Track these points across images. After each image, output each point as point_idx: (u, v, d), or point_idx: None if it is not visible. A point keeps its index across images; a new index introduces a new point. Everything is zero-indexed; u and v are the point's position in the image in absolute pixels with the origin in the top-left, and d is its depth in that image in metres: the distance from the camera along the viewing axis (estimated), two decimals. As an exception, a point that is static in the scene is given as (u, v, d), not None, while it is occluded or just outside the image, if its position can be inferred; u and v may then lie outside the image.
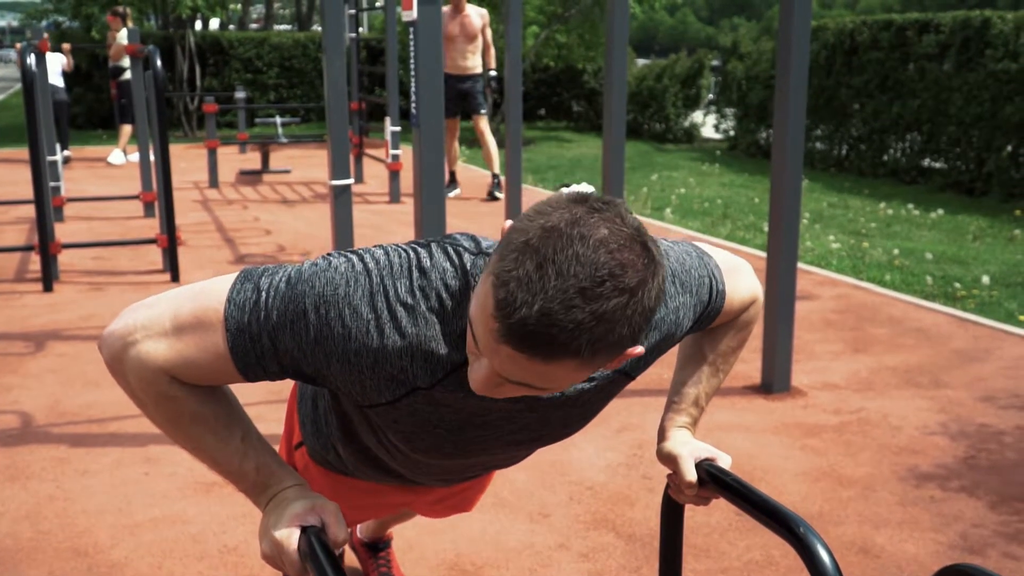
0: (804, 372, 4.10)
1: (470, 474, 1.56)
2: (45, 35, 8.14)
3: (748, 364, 4.21)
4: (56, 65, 11.03)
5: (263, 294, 1.19)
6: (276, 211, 8.19)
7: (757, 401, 3.79)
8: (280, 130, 10.43)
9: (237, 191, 9.40)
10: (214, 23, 21.41)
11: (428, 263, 1.21)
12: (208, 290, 1.22)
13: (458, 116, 8.86)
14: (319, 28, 31.38)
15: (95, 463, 3.17)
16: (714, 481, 1.44)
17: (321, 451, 1.63)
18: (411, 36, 3.28)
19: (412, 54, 3.29)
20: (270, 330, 1.18)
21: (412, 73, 3.31)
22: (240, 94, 12.06)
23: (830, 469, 3.17)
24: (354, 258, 1.22)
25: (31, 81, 5.38)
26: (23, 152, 12.43)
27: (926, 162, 10.23)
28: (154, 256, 6.31)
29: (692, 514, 2.86)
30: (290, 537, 1.22)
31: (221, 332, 1.19)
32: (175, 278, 5.69)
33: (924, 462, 3.23)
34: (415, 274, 1.20)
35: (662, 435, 1.55)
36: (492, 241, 1.26)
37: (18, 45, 11.67)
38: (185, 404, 1.24)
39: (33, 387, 3.87)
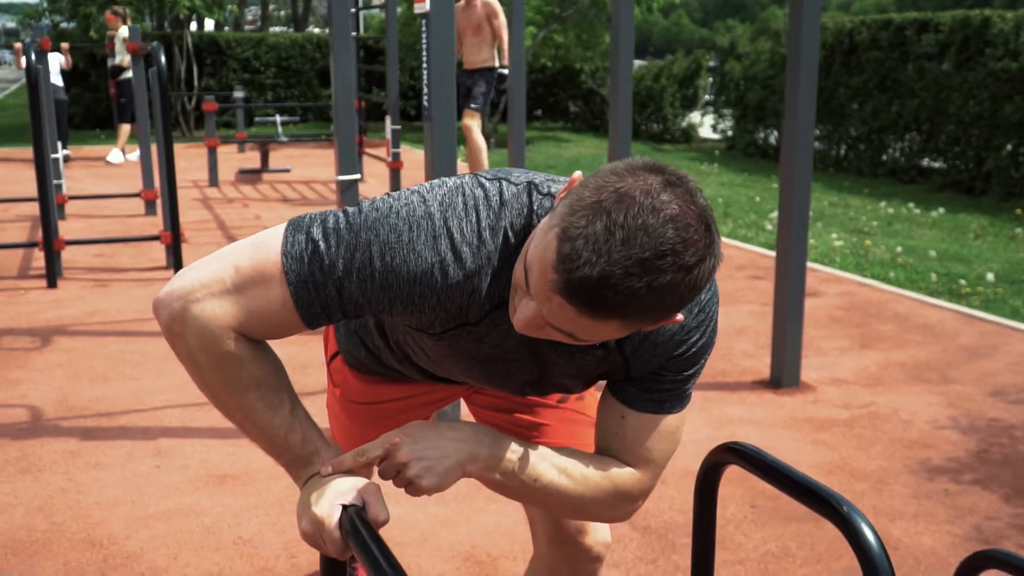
0: (812, 367, 4.10)
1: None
2: (46, 34, 8.11)
3: (757, 359, 4.21)
4: (55, 64, 11.00)
5: (321, 244, 1.19)
6: (277, 209, 8.18)
7: (766, 395, 3.79)
8: (280, 129, 10.41)
9: (237, 190, 9.38)
10: (209, 24, 21.37)
11: (496, 201, 1.22)
12: (261, 245, 1.22)
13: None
14: (315, 29, 31.39)
15: (106, 456, 3.16)
16: (750, 462, 1.44)
17: (354, 351, 1.64)
18: (423, 29, 3.28)
19: (424, 48, 3.29)
20: (336, 279, 1.19)
21: (424, 67, 3.30)
22: (239, 93, 12.05)
23: (842, 463, 3.18)
24: (415, 200, 1.22)
25: (35, 78, 5.36)
26: (22, 151, 12.40)
27: (925, 162, 10.25)
28: (156, 253, 6.29)
29: (707, 506, 2.85)
30: (331, 515, 1.20)
31: (282, 285, 1.19)
32: (179, 275, 5.66)
33: (936, 456, 3.23)
34: (482, 212, 1.21)
35: None
36: (554, 181, 1.27)
37: (18, 45, 11.65)
38: (244, 366, 1.23)
39: (41, 381, 3.86)
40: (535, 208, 1.23)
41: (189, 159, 11.31)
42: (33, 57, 5.35)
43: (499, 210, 1.22)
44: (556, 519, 1.64)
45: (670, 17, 64.35)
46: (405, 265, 1.19)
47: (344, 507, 1.22)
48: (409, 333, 1.37)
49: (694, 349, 1.31)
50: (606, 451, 1.37)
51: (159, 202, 7.61)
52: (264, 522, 2.74)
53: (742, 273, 5.93)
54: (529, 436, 1.68)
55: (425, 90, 3.33)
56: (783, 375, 3.86)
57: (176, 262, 5.66)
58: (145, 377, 3.93)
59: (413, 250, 1.19)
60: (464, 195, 1.23)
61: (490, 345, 1.31)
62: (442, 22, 3.22)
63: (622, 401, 1.33)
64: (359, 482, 1.25)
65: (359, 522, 1.18)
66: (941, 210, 8.34)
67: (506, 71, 7.60)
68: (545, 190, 1.25)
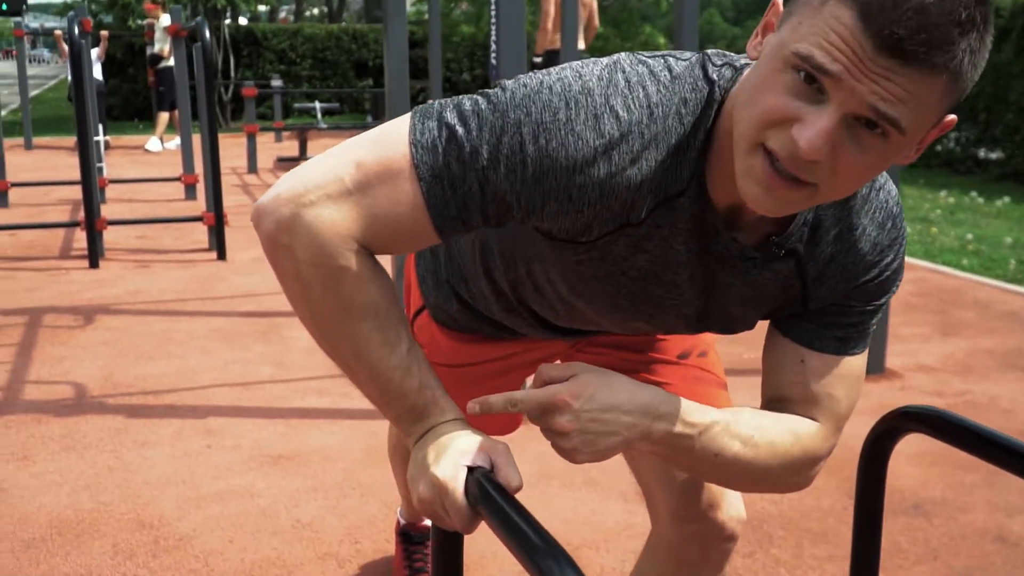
0: (895, 354, 3.84)
1: (612, 334, 1.35)
2: (88, 12, 8.00)
3: (833, 345, 3.97)
4: (93, 55, 10.91)
5: (459, 129, 0.99)
6: (318, 195, 8.01)
7: (849, 382, 3.55)
8: (320, 116, 10.27)
9: (276, 176, 9.24)
10: (243, 19, 21.36)
11: (665, 76, 1.01)
12: (385, 136, 1.01)
13: None
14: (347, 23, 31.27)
15: (153, 434, 2.98)
16: (938, 428, 1.21)
17: (444, 304, 1.43)
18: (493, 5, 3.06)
19: (493, 16, 3.07)
20: (479, 170, 0.98)
21: (493, 43, 3.09)
22: (276, 82, 11.92)
23: (947, 453, 2.93)
24: (568, 75, 1.00)
25: (78, 52, 5.22)
26: (60, 140, 12.37)
27: (982, 152, 9.92)
28: (198, 235, 6.13)
29: (801, 496, 2.63)
30: (456, 478, 0.99)
31: (413, 181, 0.99)
32: (221, 256, 5.51)
33: (1044, 445, 2.98)
34: (650, 88, 1.00)
35: None
36: (725, 55, 1.06)
37: (58, 31, 11.59)
38: (362, 287, 1.01)
39: (84, 359, 3.69)
40: (715, 79, 1.01)
41: (227, 148, 11.16)
42: (76, 32, 5.21)
43: (670, 85, 1.01)
44: (683, 493, 1.39)
45: (703, 16, 63.97)
46: (563, 149, 0.97)
47: (470, 469, 1.00)
48: (538, 262, 1.15)
49: (887, 273, 1.10)
50: (781, 404, 1.15)
51: (199, 187, 7.47)
52: (323, 505, 2.54)
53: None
54: None
55: (493, 60, 3.11)
56: (867, 361, 3.62)
57: (219, 243, 5.50)
58: (191, 356, 3.75)
59: (572, 131, 0.97)
60: (625, 72, 1.01)
61: (648, 257, 1.08)
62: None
63: (800, 342, 1.12)
64: (485, 440, 1.03)
65: (491, 487, 0.97)
66: (1006, 199, 8.02)
67: (537, 59, 7.77)
68: (719, 61, 1.03)
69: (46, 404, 3.22)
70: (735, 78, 1.02)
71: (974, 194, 8.35)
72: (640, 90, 1.00)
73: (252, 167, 9.40)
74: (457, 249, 1.35)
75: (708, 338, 1.51)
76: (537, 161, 0.97)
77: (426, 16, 11.52)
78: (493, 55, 3.10)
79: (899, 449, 2.92)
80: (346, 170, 1.00)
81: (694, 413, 1.06)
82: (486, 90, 1.03)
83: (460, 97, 1.02)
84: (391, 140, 1.00)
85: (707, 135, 1.01)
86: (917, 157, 0.96)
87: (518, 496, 0.97)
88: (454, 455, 1.00)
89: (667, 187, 1.02)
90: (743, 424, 1.09)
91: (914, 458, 2.86)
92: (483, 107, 0.99)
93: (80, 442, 2.91)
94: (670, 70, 1.02)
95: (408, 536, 2.16)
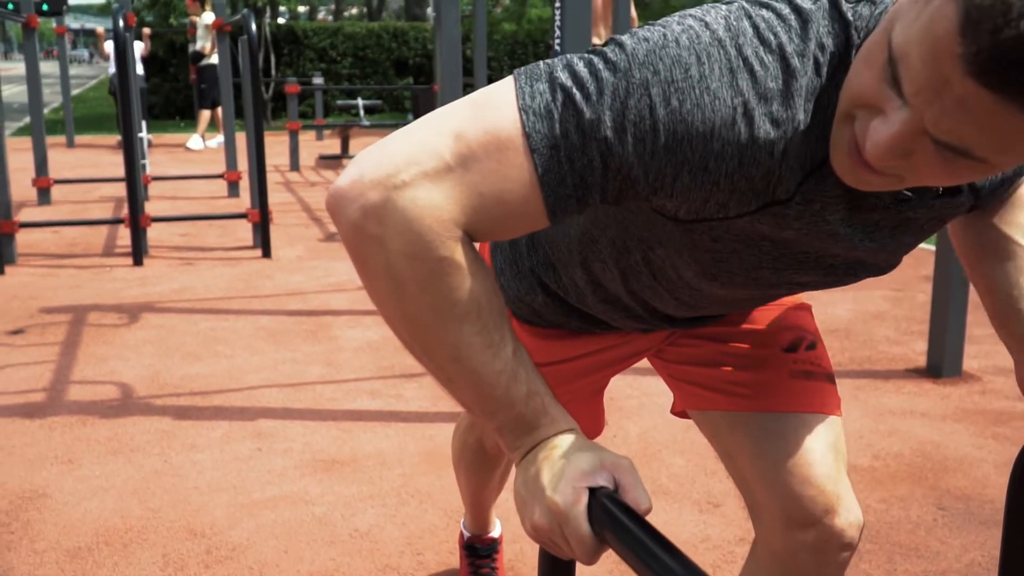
0: (971, 356, 3.65)
1: (733, 309, 1.21)
2: (130, 8, 7.98)
3: (903, 346, 3.79)
4: (136, 52, 10.92)
5: (575, 92, 0.83)
6: (361, 193, 7.93)
7: (926, 385, 3.37)
8: (363, 112, 10.20)
9: (318, 174, 9.17)
10: (280, 19, 21.41)
11: (794, 19, 0.87)
12: (487, 101, 0.86)
13: None
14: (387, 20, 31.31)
15: (202, 437, 2.87)
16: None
17: (527, 297, 1.29)
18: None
19: (557, 6, 2.93)
20: (601, 140, 0.83)
21: (557, 28, 2.94)
22: (317, 79, 11.87)
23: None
24: (693, 25, 0.86)
25: (123, 46, 5.15)
26: (103, 138, 12.41)
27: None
28: (242, 233, 6.05)
29: (887, 507, 2.46)
30: (577, 504, 0.83)
31: (525, 153, 0.83)
32: (267, 254, 5.42)
33: None
34: (781, 35, 0.86)
35: None
36: None
37: (100, 29, 11.63)
38: (465, 281, 0.86)
39: (130, 358, 3.60)
40: (850, 19, 0.87)
41: (269, 146, 11.11)
42: (121, 25, 5.14)
43: (803, 30, 0.86)
44: (796, 497, 1.23)
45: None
46: (699, 111, 0.82)
47: (592, 491, 0.86)
48: (660, 247, 1.01)
49: None
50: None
51: (242, 184, 7.41)
52: (382, 513, 2.41)
53: (865, 258, 5.49)
54: (745, 396, 1.31)
55: (557, 39, 2.96)
56: (943, 363, 3.43)
57: (264, 241, 5.41)
58: (238, 356, 3.65)
59: (707, 89, 0.82)
60: (751, 17, 0.86)
61: (795, 233, 0.95)
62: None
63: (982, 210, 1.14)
64: (608, 457, 0.87)
65: (619, 511, 0.82)
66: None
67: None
68: None
69: (91, 405, 3.13)
70: (875, 15, 0.87)
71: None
72: (772, 38, 0.85)
73: (295, 165, 9.33)
74: (546, 235, 1.20)
75: (813, 327, 1.37)
76: (670, 127, 0.82)
77: (469, 12, 11.39)
78: (557, 42, 2.95)
79: (982, 457, 2.75)
80: (445, 142, 0.84)
81: None
82: (601, 47, 0.88)
83: (570, 56, 0.87)
84: (496, 104, 0.85)
85: None
86: None
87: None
88: (573, 476, 0.85)
89: (814, 153, 0.88)
90: None
91: (1003, 467, 2.68)
92: (601, 67, 0.84)
93: (127, 445, 2.81)
94: (799, 12, 0.87)
95: (474, 549, 2.02)
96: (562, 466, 0.87)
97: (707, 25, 0.85)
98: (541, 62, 0.87)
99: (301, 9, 19.30)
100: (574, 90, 0.83)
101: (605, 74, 0.84)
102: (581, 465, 0.86)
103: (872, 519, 2.40)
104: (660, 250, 1.02)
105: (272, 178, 8.71)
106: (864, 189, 0.87)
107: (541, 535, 0.87)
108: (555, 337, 1.36)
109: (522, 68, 0.88)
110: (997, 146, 0.74)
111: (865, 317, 4.23)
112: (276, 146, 10.91)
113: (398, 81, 16.50)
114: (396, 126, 11.60)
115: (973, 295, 4.45)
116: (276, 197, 7.58)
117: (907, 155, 0.78)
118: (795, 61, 0.85)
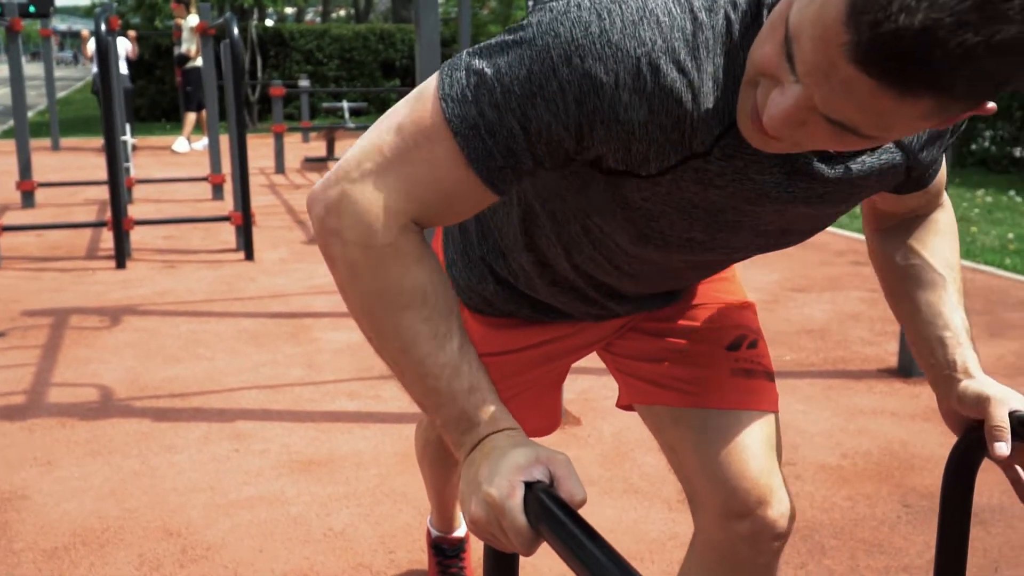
0: (942, 356, 3.71)
1: (677, 281, 1.26)
2: (115, 13, 7.99)
3: (877, 347, 3.84)
4: (121, 51, 10.92)
5: (487, 71, 0.91)
6: (345, 195, 7.96)
7: (896, 385, 3.43)
8: (348, 115, 10.22)
9: (304, 176, 9.19)
10: (269, 21, 21.41)
11: None
12: (418, 95, 0.95)
13: None
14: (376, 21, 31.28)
15: (180, 438, 2.91)
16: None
17: (477, 286, 1.34)
18: None
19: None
20: (515, 109, 0.90)
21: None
22: (304, 82, 11.89)
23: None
24: None
25: (105, 50, 5.17)
26: (86, 141, 12.40)
27: (1018, 151, 9.70)
28: (226, 235, 6.08)
29: (853, 504, 2.51)
30: (512, 496, 0.88)
31: (448, 138, 0.92)
32: (249, 256, 5.45)
33: (1106, 452, 2.84)
34: None
35: (964, 372, 1.21)
36: None
37: (85, 32, 11.62)
38: (410, 269, 0.95)
39: (111, 361, 3.63)
40: None
41: (254, 148, 11.16)
42: (103, 29, 5.16)
43: None
44: (732, 489, 1.28)
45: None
46: (601, 64, 0.88)
47: (528, 484, 0.90)
48: (596, 214, 1.06)
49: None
50: (915, 215, 1.27)
51: (226, 187, 7.44)
52: (356, 513, 2.45)
53: (843, 259, 5.54)
54: (687, 392, 1.35)
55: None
56: (913, 364, 3.49)
57: (247, 244, 5.44)
58: (219, 358, 3.68)
59: (608, 43, 0.88)
60: None
61: (721, 193, 0.99)
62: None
63: (909, 191, 1.18)
64: (543, 452, 0.92)
65: (553, 503, 0.87)
66: (1046, 198, 7.84)
67: None
68: None
69: (71, 407, 3.16)
70: None
71: (1012, 193, 8.17)
72: None
73: (280, 167, 9.35)
74: (494, 222, 1.26)
75: (756, 325, 1.42)
76: (575, 83, 0.88)
77: (454, 15, 11.43)
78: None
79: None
80: (385, 139, 0.94)
81: None
82: (524, 22, 0.94)
83: (488, 41, 0.95)
84: (424, 98, 0.94)
85: None
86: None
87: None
88: (509, 470, 0.90)
89: (731, 109, 0.93)
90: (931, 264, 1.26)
91: (970, 465, 2.74)
92: (509, 43, 0.92)
93: (106, 446, 2.84)
94: None
95: (441, 549, 2.06)
96: (499, 461, 0.91)
97: None
98: (464, 51, 0.95)
99: (289, 10, 19.27)
100: (485, 70, 0.91)
101: (511, 48, 0.91)
102: (517, 460, 0.90)
103: (837, 516, 2.45)
104: (596, 217, 1.07)
105: (257, 180, 8.74)
106: (766, 151, 0.92)
107: (479, 527, 0.91)
108: (506, 327, 1.40)
109: (448, 60, 0.96)
110: (880, 125, 0.80)
111: (841, 317, 4.29)
112: (262, 148, 10.93)
113: (385, 83, 16.52)
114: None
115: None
116: (260, 199, 7.61)
117: (801, 126, 0.84)
118: (703, 15, 0.90)
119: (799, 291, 4.77)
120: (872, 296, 4.65)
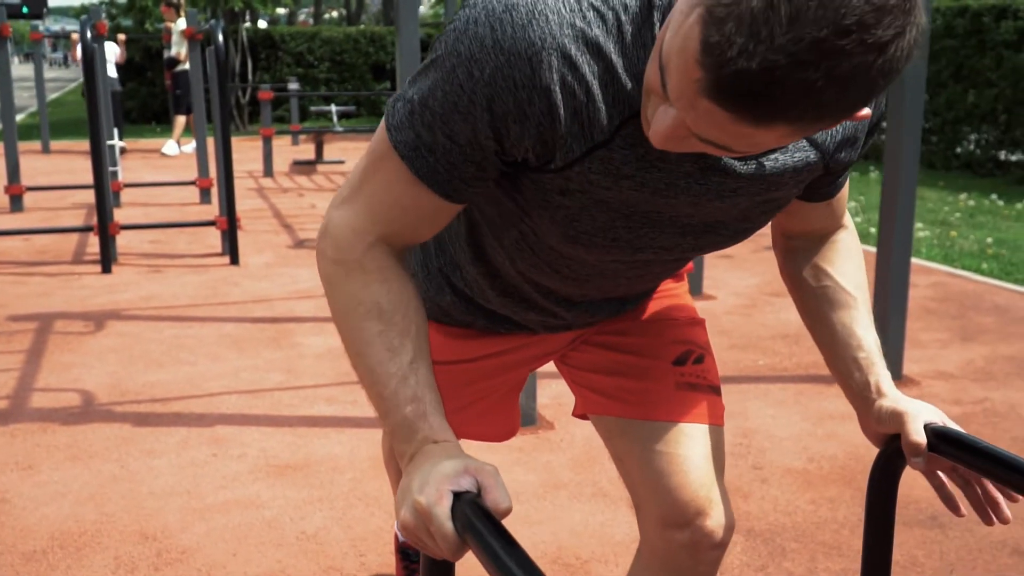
0: (913, 360, 3.78)
1: (618, 286, 1.31)
2: (103, 17, 8.02)
3: (850, 352, 3.91)
4: (110, 55, 10.95)
5: (414, 97, 1.02)
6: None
7: (866, 390, 3.49)
8: (336, 119, 10.26)
9: (292, 180, 9.23)
10: (261, 23, 21.44)
11: None
12: (380, 129, 1.09)
13: None
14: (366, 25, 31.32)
15: (160, 443, 2.96)
16: (950, 444, 1.16)
17: (436, 297, 1.41)
18: None
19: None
20: (441, 126, 1.01)
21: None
22: (293, 86, 11.93)
23: (963, 462, 2.86)
24: (494, 3, 0.98)
25: (91, 57, 5.22)
26: (78, 143, 12.42)
27: (1003, 155, 9.79)
28: (212, 240, 6.13)
29: (816, 508, 2.57)
30: (439, 504, 0.94)
31: (396, 160, 1.05)
32: (235, 260, 5.50)
33: (1065, 456, 2.91)
34: None
35: (877, 392, 1.27)
36: None
37: (75, 35, 11.65)
38: (370, 285, 1.07)
39: (94, 366, 3.68)
40: None
41: (243, 151, 11.21)
42: (89, 35, 5.20)
43: None
44: (672, 500, 1.34)
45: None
46: (499, 72, 0.96)
47: (456, 494, 0.96)
48: (526, 217, 1.12)
49: (879, 112, 1.15)
50: (821, 234, 1.33)
51: (214, 191, 7.48)
52: (329, 516, 2.51)
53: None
54: (634, 404, 1.41)
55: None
56: (883, 368, 3.55)
57: (232, 248, 5.49)
58: (200, 363, 3.73)
59: (502, 51, 0.95)
60: None
61: (632, 183, 1.05)
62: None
63: (818, 200, 1.24)
64: (472, 463, 0.98)
65: (475, 513, 0.92)
66: (1026, 202, 7.91)
67: None
68: None
69: (53, 412, 3.21)
70: None
71: (994, 197, 8.25)
72: None
73: (268, 171, 9.40)
74: (447, 235, 1.33)
75: (703, 341, 1.48)
76: (480, 92, 0.97)
77: (442, 19, 11.48)
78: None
79: (916, 460, 2.86)
80: (359, 167, 1.09)
81: None
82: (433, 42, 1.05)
83: (423, 62, 1.05)
84: (381, 130, 1.07)
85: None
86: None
87: (512, 514, 0.93)
88: (438, 479, 0.96)
89: (631, 100, 0.99)
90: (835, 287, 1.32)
91: (931, 469, 2.80)
92: (427, 65, 1.02)
93: (86, 451, 2.89)
94: None
95: (407, 553, 2.11)
96: (430, 471, 0.97)
97: None
98: (408, 82, 1.04)
99: (280, 11, 19.31)
100: (413, 97, 1.02)
101: (429, 72, 1.01)
102: (446, 469, 0.97)
103: (800, 519, 2.52)
104: (528, 220, 1.14)
105: (246, 184, 8.78)
106: (666, 150, 0.97)
107: (409, 532, 0.97)
108: (462, 336, 1.46)
109: (395, 93, 1.05)
110: (748, 145, 0.86)
111: (816, 323, 4.35)
112: (251, 151, 10.98)
113: (376, 85, 16.56)
114: (371, 131, 11.66)
115: (914, 301, 4.59)
116: (248, 203, 7.65)
117: (683, 140, 0.90)
118: (591, 13, 0.97)
119: (776, 296, 4.83)
120: (848, 301, 4.71)
